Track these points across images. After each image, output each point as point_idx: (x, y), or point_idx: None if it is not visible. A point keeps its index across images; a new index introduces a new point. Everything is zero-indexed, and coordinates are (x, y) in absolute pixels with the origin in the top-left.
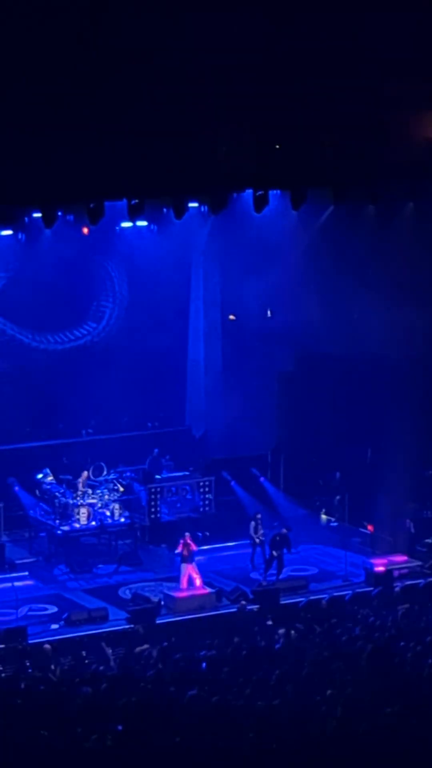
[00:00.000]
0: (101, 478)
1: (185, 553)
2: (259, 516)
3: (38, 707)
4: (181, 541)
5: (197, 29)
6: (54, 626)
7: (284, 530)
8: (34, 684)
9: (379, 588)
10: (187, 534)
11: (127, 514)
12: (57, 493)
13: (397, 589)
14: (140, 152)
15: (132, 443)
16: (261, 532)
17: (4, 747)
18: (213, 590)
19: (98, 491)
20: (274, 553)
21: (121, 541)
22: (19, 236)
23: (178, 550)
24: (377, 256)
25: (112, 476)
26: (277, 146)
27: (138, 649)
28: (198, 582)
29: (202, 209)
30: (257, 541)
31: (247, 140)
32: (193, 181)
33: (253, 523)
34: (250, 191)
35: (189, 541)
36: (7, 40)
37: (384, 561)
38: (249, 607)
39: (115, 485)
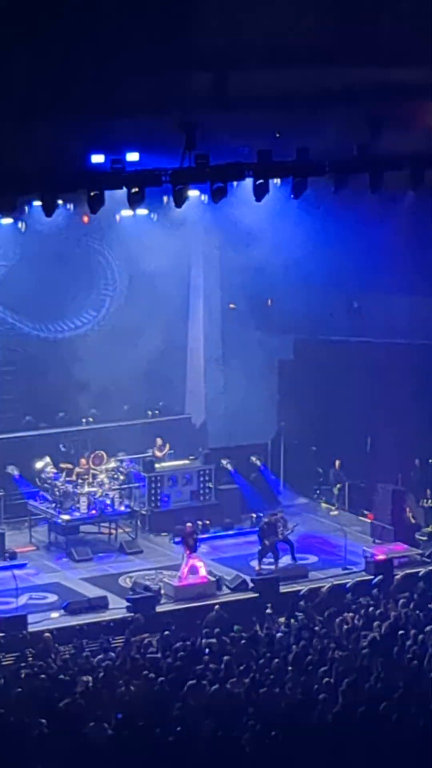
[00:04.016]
0: (101, 467)
1: (190, 542)
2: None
3: (39, 695)
4: (187, 530)
5: (198, 17)
6: (54, 615)
7: (270, 518)
8: (35, 672)
9: (379, 576)
10: (188, 523)
11: (127, 502)
12: (57, 482)
13: (397, 577)
14: (140, 140)
15: (132, 432)
16: (282, 530)
17: (5, 735)
18: (213, 579)
19: (98, 480)
20: (266, 542)
21: (121, 529)
22: (20, 225)
23: (182, 539)
24: (378, 244)
25: (112, 465)
26: (278, 134)
27: (137, 637)
28: (202, 571)
29: (202, 197)
30: (280, 537)
31: (248, 129)
32: (192, 169)
33: (279, 524)
34: (250, 179)
35: (192, 531)
36: (6, 28)
37: (384, 549)
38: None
39: (116, 474)
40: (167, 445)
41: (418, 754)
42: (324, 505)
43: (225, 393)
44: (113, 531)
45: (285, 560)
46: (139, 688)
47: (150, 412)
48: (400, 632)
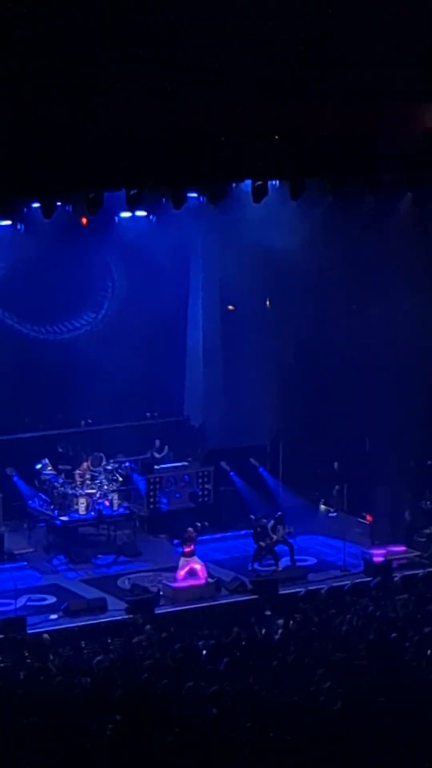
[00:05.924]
0: (100, 468)
1: (189, 545)
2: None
3: (37, 697)
4: (187, 534)
5: (196, 18)
6: (53, 616)
7: (263, 520)
8: (33, 674)
9: (378, 578)
10: (190, 528)
11: (125, 504)
12: (56, 484)
13: (396, 579)
14: (138, 142)
15: (131, 433)
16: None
17: (3, 737)
18: (212, 580)
19: (97, 481)
20: (261, 544)
21: (119, 531)
22: (18, 227)
23: (182, 544)
24: (376, 246)
25: (111, 466)
26: (276, 136)
27: (137, 638)
28: (202, 574)
29: (201, 199)
30: (275, 538)
31: (246, 130)
32: (191, 171)
33: (272, 522)
34: (248, 181)
35: (192, 536)
36: (7, 30)
37: (383, 551)
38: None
39: (114, 475)
40: (165, 447)
41: (417, 755)
42: (323, 506)
43: (224, 394)
44: (112, 532)
45: (284, 562)
46: (138, 690)
47: (149, 414)
48: (399, 634)
